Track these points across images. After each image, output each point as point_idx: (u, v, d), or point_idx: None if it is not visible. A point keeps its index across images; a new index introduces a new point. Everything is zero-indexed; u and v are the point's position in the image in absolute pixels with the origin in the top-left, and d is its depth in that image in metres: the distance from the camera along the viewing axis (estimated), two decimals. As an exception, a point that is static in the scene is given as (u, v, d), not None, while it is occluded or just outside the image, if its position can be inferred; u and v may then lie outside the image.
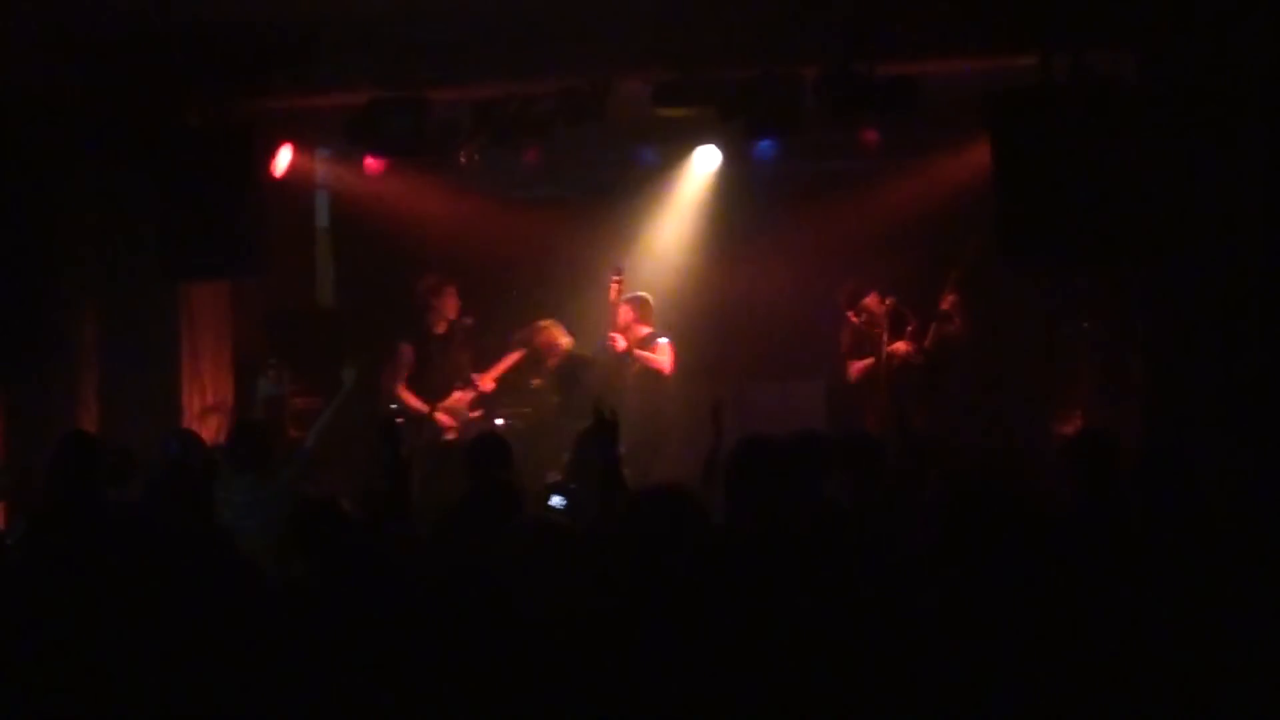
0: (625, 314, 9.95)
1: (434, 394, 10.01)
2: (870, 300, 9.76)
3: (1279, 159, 7.16)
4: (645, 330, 10.01)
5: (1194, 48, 7.59)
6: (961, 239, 9.58)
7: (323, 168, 11.06)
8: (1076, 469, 6.18)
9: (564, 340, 10.11)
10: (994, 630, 4.22)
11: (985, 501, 4.98)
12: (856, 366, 9.72)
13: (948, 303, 9.42)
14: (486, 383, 10.10)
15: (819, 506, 5.62)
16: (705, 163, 10.80)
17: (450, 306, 10.13)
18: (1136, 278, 8.29)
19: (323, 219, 11.87)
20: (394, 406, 9.77)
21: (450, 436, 9.76)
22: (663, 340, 9.93)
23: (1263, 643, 4.35)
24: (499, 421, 10.02)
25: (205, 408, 9.48)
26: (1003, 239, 8.10)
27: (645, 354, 9.84)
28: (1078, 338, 9.51)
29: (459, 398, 10.05)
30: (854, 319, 9.76)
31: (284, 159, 9.63)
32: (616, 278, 9.90)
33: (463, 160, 10.04)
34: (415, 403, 9.92)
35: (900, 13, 8.14)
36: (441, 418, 9.94)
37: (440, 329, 10.11)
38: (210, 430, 9.29)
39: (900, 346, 9.52)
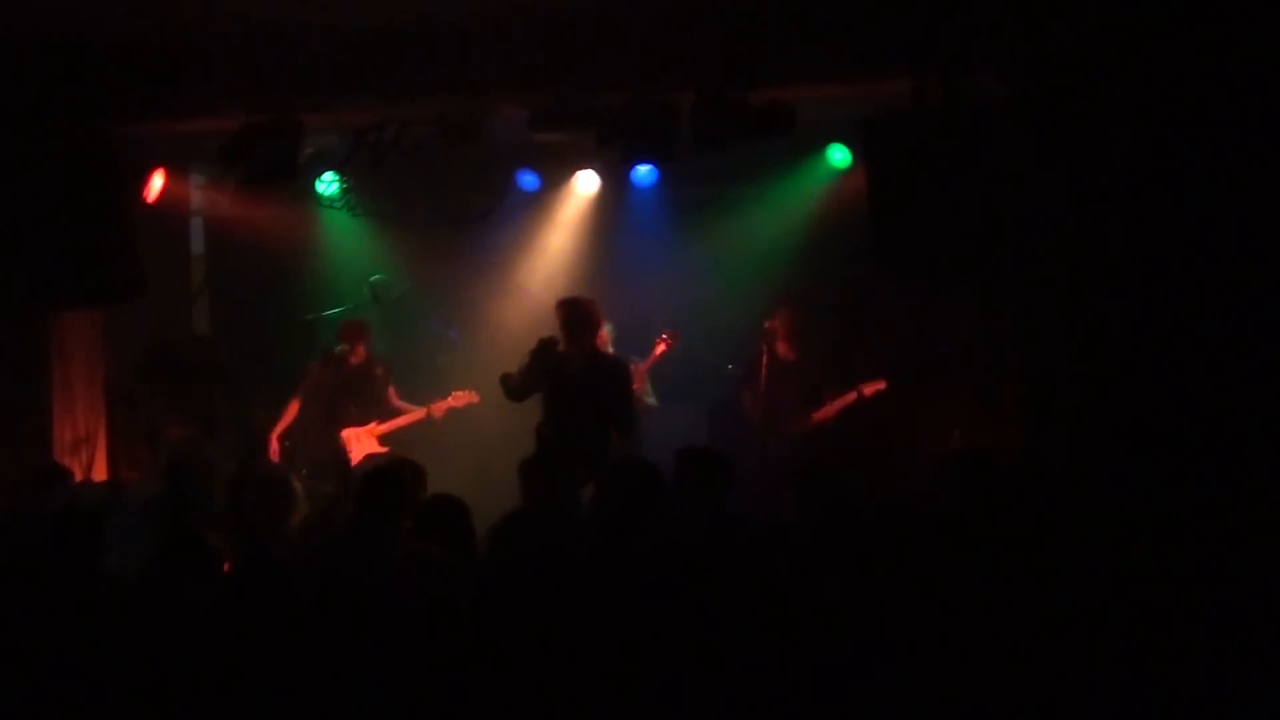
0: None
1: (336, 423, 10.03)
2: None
3: (1139, 183, 7.23)
4: None
5: (1056, 74, 7.70)
6: (841, 259, 9.65)
7: (197, 194, 10.92)
8: (950, 486, 6.25)
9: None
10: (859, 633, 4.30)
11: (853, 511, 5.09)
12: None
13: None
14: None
15: None
16: (585, 186, 10.83)
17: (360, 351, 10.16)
18: (1005, 297, 8.38)
19: (198, 245, 11.66)
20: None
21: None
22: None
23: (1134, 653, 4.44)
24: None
25: (76, 439, 9.29)
26: (878, 256, 8.16)
27: None
28: (950, 358, 9.54)
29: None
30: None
31: (156, 185, 9.50)
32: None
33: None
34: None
35: (773, 38, 8.20)
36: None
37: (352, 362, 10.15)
38: (80, 462, 9.11)
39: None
